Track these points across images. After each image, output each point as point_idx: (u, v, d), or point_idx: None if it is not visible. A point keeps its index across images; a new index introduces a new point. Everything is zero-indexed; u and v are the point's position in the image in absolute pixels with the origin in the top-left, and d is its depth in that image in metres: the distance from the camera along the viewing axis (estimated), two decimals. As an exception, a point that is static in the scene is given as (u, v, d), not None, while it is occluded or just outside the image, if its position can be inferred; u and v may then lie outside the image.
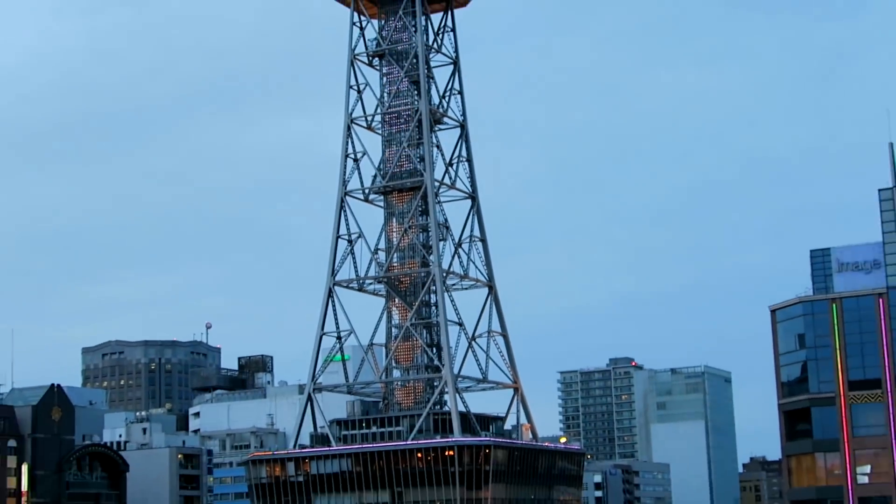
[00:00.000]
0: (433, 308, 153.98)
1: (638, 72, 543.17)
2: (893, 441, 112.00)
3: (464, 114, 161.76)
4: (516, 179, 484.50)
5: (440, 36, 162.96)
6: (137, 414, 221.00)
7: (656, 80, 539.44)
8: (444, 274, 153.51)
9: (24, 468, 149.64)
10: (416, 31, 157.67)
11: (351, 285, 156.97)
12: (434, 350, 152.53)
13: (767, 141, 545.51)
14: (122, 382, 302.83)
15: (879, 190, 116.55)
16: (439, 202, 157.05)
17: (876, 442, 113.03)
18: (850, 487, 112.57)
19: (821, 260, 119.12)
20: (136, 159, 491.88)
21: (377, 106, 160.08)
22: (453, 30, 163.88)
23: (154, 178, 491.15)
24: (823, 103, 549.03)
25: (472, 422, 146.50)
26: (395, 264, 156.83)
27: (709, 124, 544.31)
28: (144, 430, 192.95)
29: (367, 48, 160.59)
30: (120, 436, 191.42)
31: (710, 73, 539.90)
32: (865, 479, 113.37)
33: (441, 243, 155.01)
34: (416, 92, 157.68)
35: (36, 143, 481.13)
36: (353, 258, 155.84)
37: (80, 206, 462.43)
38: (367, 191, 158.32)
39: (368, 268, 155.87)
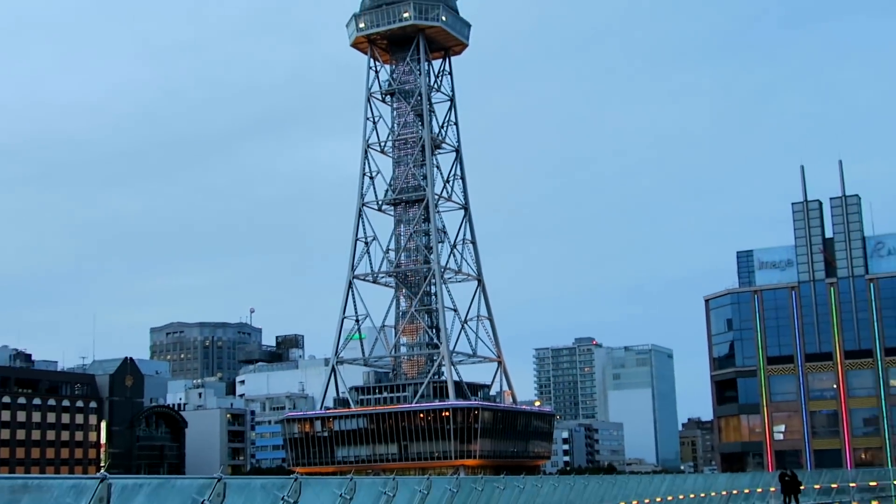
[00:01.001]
0: (433, 297, 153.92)
1: (599, 106, 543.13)
2: (803, 405, 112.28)
3: (458, 140, 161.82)
4: (501, 193, 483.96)
5: (440, 78, 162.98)
6: (195, 381, 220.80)
7: (614, 113, 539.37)
8: (442, 269, 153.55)
9: (103, 425, 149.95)
10: (420, 75, 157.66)
11: (367, 278, 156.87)
12: (434, 331, 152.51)
13: (703, 162, 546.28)
14: (182, 356, 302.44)
15: (792, 203, 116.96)
16: (438, 212, 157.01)
17: (789, 406, 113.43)
18: (768, 443, 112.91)
19: (745, 259, 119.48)
20: (195, 176, 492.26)
21: (388, 134, 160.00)
22: (450, 73, 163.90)
23: (209, 192, 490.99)
24: (749, 134, 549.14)
25: (464, 388, 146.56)
26: (403, 261, 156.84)
27: (656, 148, 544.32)
28: (200, 395, 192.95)
29: (380, 87, 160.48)
30: (180, 399, 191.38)
31: (657, 108, 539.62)
32: (780, 436, 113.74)
33: (440, 245, 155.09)
34: (420, 123, 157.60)
35: (115, 163, 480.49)
36: (369, 256, 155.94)
37: (149, 215, 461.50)
38: (380, 202, 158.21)
39: (381, 264, 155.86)
